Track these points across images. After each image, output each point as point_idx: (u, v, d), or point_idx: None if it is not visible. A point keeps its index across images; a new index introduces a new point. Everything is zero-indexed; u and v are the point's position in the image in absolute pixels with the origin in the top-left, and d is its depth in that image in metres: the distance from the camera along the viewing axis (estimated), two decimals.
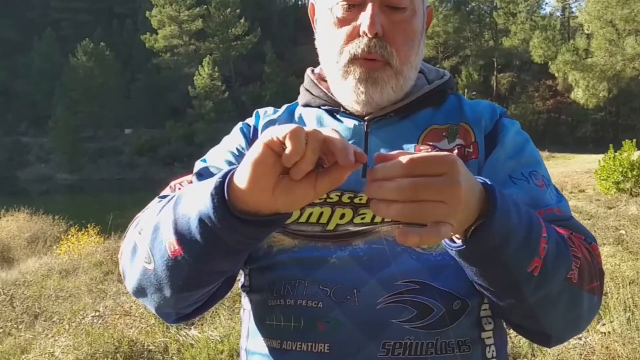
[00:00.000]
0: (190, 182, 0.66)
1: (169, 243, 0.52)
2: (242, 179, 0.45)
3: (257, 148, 0.44)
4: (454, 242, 0.51)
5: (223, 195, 0.47)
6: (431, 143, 0.67)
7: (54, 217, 8.72)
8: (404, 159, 0.43)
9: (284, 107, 0.77)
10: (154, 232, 0.54)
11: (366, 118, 0.68)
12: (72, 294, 4.40)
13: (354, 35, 0.64)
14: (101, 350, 2.86)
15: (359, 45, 0.64)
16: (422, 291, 0.59)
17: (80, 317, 3.42)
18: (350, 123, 0.69)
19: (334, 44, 0.66)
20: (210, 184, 0.48)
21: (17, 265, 6.13)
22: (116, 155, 32.24)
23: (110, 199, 20.38)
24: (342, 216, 0.62)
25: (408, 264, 0.60)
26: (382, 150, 0.65)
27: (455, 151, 0.66)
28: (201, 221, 0.48)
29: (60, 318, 3.62)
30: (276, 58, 33.18)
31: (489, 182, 0.49)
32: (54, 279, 5.06)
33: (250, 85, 32.96)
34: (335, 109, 0.71)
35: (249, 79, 33.72)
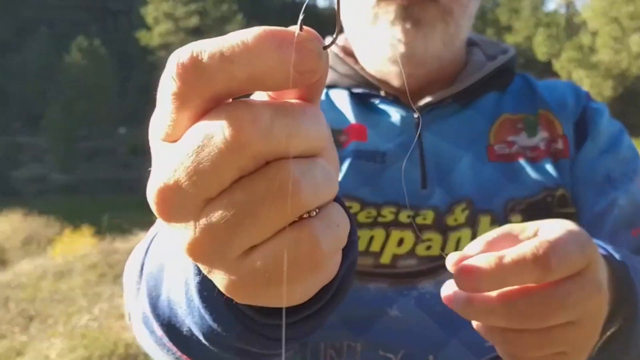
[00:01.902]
0: None
1: (182, 356, 0.32)
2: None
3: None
4: None
5: (221, 294, 0.23)
6: (509, 138, 0.51)
7: (48, 218, 8.64)
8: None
9: None
10: (151, 335, 0.33)
11: (417, 106, 0.51)
12: (67, 297, 4.34)
13: None
14: (97, 353, 2.82)
15: None
16: None
17: (75, 320, 3.38)
18: (395, 114, 0.51)
19: None
20: (189, 266, 0.25)
21: (11, 267, 6.05)
22: (111, 155, 32.11)
23: (105, 199, 20.29)
24: (401, 242, 0.46)
25: None
26: (443, 149, 0.50)
27: (542, 147, 0.51)
28: (210, 338, 0.27)
29: (55, 321, 3.58)
30: None
31: (616, 257, 0.32)
32: (49, 281, 5.00)
33: None
34: (372, 93, 0.52)
35: None
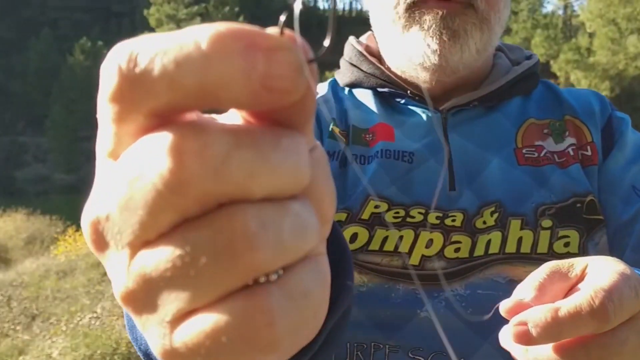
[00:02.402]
0: None
1: None
2: None
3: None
4: None
5: None
6: (537, 143, 0.50)
7: (51, 218, 8.68)
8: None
9: (324, 85, 0.56)
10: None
11: (442, 107, 0.50)
12: (70, 295, 4.37)
13: None
14: (99, 351, 2.85)
15: None
16: None
17: (78, 319, 3.40)
18: (421, 115, 0.51)
19: None
20: None
21: (14, 266, 6.09)
22: None
23: None
24: (430, 243, 0.45)
25: None
26: (471, 151, 0.49)
27: (571, 153, 0.50)
28: None
29: (58, 319, 3.60)
30: None
31: None
32: (51, 280, 5.03)
33: None
34: (398, 92, 0.52)
35: None
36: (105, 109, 0.14)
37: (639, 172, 0.50)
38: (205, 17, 33.20)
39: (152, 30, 33.59)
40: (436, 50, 0.46)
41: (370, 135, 0.51)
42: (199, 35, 0.12)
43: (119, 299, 0.15)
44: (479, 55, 0.48)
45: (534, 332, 0.25)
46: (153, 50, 0.13)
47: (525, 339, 0.25)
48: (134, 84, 0.13)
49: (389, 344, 0.43)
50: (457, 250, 0.45)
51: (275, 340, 0.13)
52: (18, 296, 4.45)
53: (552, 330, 0.24)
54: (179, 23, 33.09)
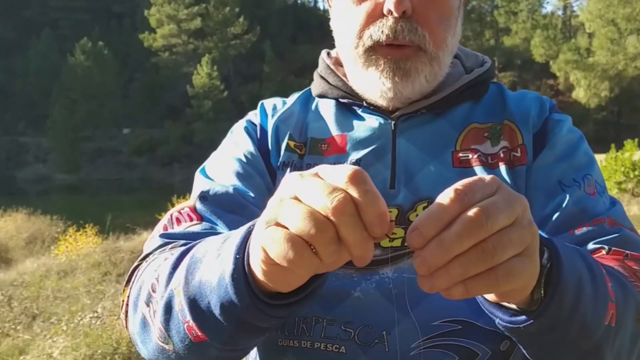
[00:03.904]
0: (193, 208, 0.55)
1: (187, 327, 0.42)
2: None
3: (282, 241, 0.32)
4: (515, 315, 0.39)
5: (245, 279, 0.38)
6: (473, 146, 0.56)
7: (52, 218, 8.69)
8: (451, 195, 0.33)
9: (295, 96, 0.65)
10: (166, 312, 0.44)
11: (394, 115, 0.58)
12: (70, 295, 4.37)
13: (376, 15, 0.53)
14: (99, 351, 2.85)
15: (382, 29, 0.53)
16: (465, 332, 0.49)
17: (79, 318, 3.40)
18: (374, 122, 0.58)
19: (352, 26, 0.55)
20: (228, 259, 0.38)
21: (15, 266, 6.10)
22: (114, 155, 32.20)
23: (108, 199, 20.35)
24: None
25: (447, 299, 0.49)
26: (413, 154, 0.56)
27: (501, 155, 0.56)
28: (224, 308, 0.39)
29: (59, 319, 3.61)
30: (275, 57, 33.19)
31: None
32: (52, 279, 5.03)
33: (249, 85, 32.98)
34: (356, 103, 0.59)
35: (248, 78, 33.73)
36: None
37: (569, 168, 0.55)
38: (205, 17, 33.23)
39: (152, 30, 33.62)
40: (390, 88, 0.55)
41: (326, 146, 0.59)
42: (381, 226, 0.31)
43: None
44: (430, 84, 0.56)
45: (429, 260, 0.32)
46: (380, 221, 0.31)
47: (425, 267, 0.32)
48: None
49: (327, 318, 0.51)
50: (391, 240, 0.52)
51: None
52: (19, 296, 4.45)
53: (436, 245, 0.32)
54: (179, 23, 33.12)
